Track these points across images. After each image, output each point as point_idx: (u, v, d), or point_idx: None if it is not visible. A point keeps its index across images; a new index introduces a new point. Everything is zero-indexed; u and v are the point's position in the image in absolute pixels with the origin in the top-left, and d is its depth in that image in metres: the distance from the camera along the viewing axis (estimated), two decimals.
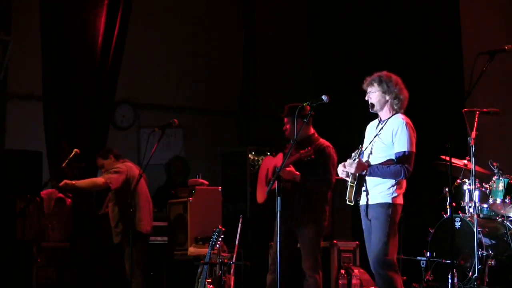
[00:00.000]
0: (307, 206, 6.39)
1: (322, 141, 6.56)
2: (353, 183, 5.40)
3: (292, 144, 5.88)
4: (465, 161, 6.76)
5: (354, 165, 5.27)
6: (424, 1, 8.92)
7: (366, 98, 5.53)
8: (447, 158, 5.84)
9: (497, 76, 7.44)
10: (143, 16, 10.37)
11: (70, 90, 9.12)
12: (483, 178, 6.76)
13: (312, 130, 6.62)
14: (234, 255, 6.91)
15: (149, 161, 6.97)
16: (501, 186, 6.64)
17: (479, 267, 5.95)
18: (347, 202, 5.50)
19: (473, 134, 5.82)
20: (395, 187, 5.40)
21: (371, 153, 5.45)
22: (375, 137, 5.47)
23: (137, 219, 7.56)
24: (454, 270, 6.06)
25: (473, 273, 6.03)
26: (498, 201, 6.64)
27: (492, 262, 6.40)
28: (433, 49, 8.76)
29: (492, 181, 6.72)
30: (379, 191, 5.40)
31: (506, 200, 6.58)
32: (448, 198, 6.42)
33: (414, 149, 5.42)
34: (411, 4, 9.01)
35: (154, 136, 7.09)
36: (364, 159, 5.44)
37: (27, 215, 7.83)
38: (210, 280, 6.78)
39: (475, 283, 5.99)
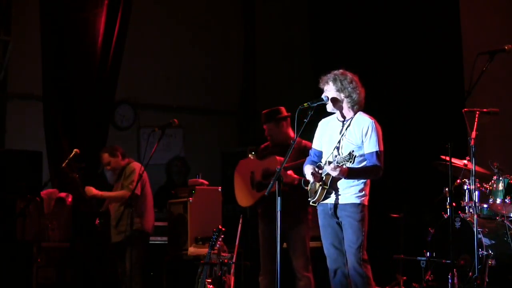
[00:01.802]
0: (298, 207, 6.40)
1: (305, 142, 6.59)
2: (327, 185, 5.39)
3: (293, 144, 5.86)
4: (465, 161, 6.76)
5: (339, 170, 5.21)
6: (424, 1, 8.92)
7: (322, 97, 5.51)
8: (447, 158, 5.84)
9: (497, 76, 7.44)
10: (143, 16, 10.37)
11: (70, 90, 9.12)
12: (483, 178, 6.76)
13: (292, 133, 6.67)
14: (234, 255, 6.91)
15: (149, 161, 6.98)
16: (501, 186, 6.64)
17: (479, 267, 5.95)
18: (311, 203, 5.51)
19: (473, 134, 5.83)
20: (366, 188, 5.45)
21: (338, 154, 5.42)
22: (341, 137, 5.45)
23: (145, 220, 7.56)
24: (454, 270, 6.06)
25: (473, 273, 6.02)
26: (498, 201, 6.63)
27: (492, 262, 6.40)
28: (433, 49, 8.76)
29: (492, 181, 6.72)
30: (353, 192, 5.41)
31: (506, 200, 6.58)
32: (448, 198, 6.41)
33: (383, 148, 5.42)
34: (411, 4, 9.01)
35: (154, 136, 7.10)
36: (330, 159, 5.42)
37: (27, 215, 7.84)
38: (210, 280, 6.78)
39: (475, 283, 5.99)
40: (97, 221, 7.84)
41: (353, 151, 5.19)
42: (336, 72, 5.52)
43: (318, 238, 5.77)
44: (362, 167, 5.38)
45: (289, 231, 6.44)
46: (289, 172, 6.37)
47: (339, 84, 5.46)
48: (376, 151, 5.36)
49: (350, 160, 5.14)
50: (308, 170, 5.45)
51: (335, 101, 5.48)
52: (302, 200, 6.38)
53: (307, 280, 6.40)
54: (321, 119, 5.73)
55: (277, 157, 6.55)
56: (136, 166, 7.66)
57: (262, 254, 6.61)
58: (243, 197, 6.81)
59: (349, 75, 5.51)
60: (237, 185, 6.88)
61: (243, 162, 6.98)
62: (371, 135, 5.38)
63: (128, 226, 7.46)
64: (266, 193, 5.29)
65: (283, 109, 6.76)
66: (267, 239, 6.55)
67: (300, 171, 6.32)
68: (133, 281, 7.42)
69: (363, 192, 5.44)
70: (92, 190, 7.66)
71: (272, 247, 6.36)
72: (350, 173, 5.28)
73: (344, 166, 5.21)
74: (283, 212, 6.34)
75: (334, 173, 5.23)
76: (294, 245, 6.45)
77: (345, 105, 5.50)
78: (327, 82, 5.51)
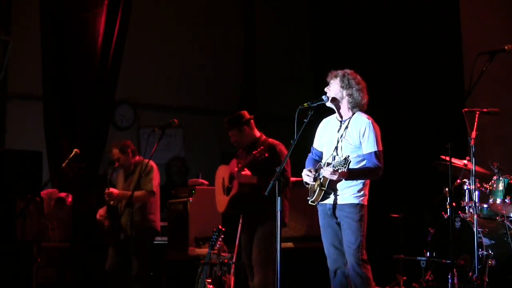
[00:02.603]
0: (262, 206, 6.42)
1: (271, 140, 6.64)
2: (324, 186, 5.39)
3: (293, 144, 5.87)
4: (465, 161, 6.76)
5: (338, 174, 5.20)
6: (424, 1, 8.92)
7: (326, 89, 5.51)
8: (447, 158, 5.84)
9: (497, 76, 7.44)
10: (143, 16, 10.37)
11: (70, 90, 9.13)
12: (483, 178, 6.75)
13: (258, 133, 6.74)
14: (234, 255, 6.91)
15: (149, 161, 6.97)
16: (501, 186, 6.63)
17: (479, 267, 5.95)
18: (310, 203, 5.50)
19: (473, 134, 5.83)
20: (365, 189, 5.44)
21: (337, 154, 5.42)
22: (340, 138, 5.44)
23: (157, 218, 7.53)
24: (454, 270, 6.06)
25: (473, 273, 6.03)
26: (498, 201, 6.63)
27: (492, 262, 6.40)
28: (433, 49, 8.76)
29: (492, 181, 6.71)
30: (351, 193, 5.40)
31: (506, 200, 6.57)
32: (448, 198, 6.41)
33: (381, 147, 5.41)
34: (411, 4, 9.01)
35: (154, 136, 7.09)
36: (329, 160, 5.42)
37: (27, 215, 7.82)
38: (210, 280, 6.77)
39: (475, 283, 5.99)
40: (103, 214, 7.63)
41: (348, 156, 5.18)
42: (347, 70, 5.53)
43: (318, 238, 5.78)
44: (362, 167, 5.37)
45: (254, 229, 6.48)
46: (244, 172, 6.45)
47: (346, 81, 5.46)
48: (375, 151, 5.36)
49: (345, 165, 5.14)
50: (304, 174, 5.46)
51: (336, 99, 5.48)
52: (266, 198, 6.41)
53: (261, 276, 6.40)
54: (321, 119, 5.73)
55: (235, 160, 6.63)
56: (154, 165, 7.57)
57: (244, 261, 6.69)
58: (219, 203, 6.90)
59: (359, 77, 5.52)
60: (216, 193, 6.97)
61: (221, 168, 7.01)
62: (369, 135, 5.37)
63: (129, 222, 7.36)
64: (266, 193, 5.28)
65: (245, 113, 6.76)
66: (245, 246, 6.62)
67: (256, 169, 6.39)
68: (139, 279, 7.39)
69: (362, 192, 5.43)
70: (114, 192, 7.44)
71: (250, 253, 6.52)
72: (351, 175, 5.27)
73: (340, 171, 5.21)
74: (253, 211, 6.42)
75: (334, 177, 5.24)
76: (256, 242, 6.48)
77: (345, 104, 5.49)
78: (335, 77, 5.51)
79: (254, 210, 6.50)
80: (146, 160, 7.54)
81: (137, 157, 7.67)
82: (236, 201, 6.60)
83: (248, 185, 6.47)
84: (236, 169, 6.51)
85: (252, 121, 6.74)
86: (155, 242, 8.53)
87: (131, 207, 7.16)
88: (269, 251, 6.43)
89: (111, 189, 7.48)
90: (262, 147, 6.35)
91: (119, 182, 7.77)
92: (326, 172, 5.25)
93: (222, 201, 6.80)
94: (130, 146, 7.63)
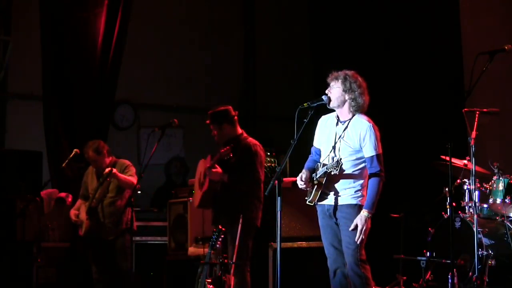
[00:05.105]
0: (233, 206, 6.42)
1: (250, 140, 6.63)
2: (321, 187, 5.40)
3: (293, 144, 5.87)
4: (465, 161, 6.76)
5: (360, 234, 5.29)
6: (424, 2, 8.92)
7: (326, 92, 5.49)
8: (447, 158, 5.84)
9: (497, 76, 7.44)
10: (143, 16, 10.37)
11: (70, 90, 9.13)
12: (483, 178, 6.76)
13: (239, 131, 6.71)
14: (234, 255, 6.90)
15: (149, 161, 6.97)
16: (501, 186, 6.64)
17: (479, 267, 5.96)
18: (307, 203, 5.51)
19: (473, 134, 5.84)
20: (363, 189, 5.44)
21: (335, 155, 5.42)
22: (338, 139, 5.44)
23: (133, 218, 7.50)
24: (454, 270, 6.06)
25: (473, 273, 6.03)
26: (498, 201, 6.63)
27: (492, 262, 6.40)
28: (433, 49, 8.76)
29: (492, 181, 6.72)
30: (349, 194, 5.41)
31: (506, 200, 6.58)
32: (448, 198, 6.41)
33: (381, 150, 5.42)
34: (411, 4, 9.01)
35: (154, 136, 7.08)
36: (326, 161, 5.43)
37: (27, 215, 7.83)
38: (210, 280, 6.77)
39: (475, 283, 5.99)
40: (78, 215, 7.58)
41: (340, 159, 5.22)
42: (348, 72, 5.49)
43: (318, 238, 5.78)
44: (370, 193, 5.34)
45: (228, 229, 6.43)
46: (215, 170, 6.43)
47: (348, 84, 5.43)
48: (375, 155, 5.36)
49: (337, 168, 5.19)
50: (299, 181, 5.46)
51: (338, 100, 5.46)
52: (238, 199, 6.39)
53: (236, 279, 6.36)
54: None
55: (210, 155, 6.66)
56: (129, 162, 7.55)
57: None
58: (195, 197, 6.94)
59: (360, 79, 5.48)
60: (194, 187, 6.99)
61: (200, 162, 7.00)
62: (369, 139, 5.37)
63: (124, 224, 7.33)
64: (266, 193, 5.29)
65: (229, 109, 6.72)
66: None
67: (228, 168, 6.41)
68: (135, 279, 7.37)
69: (360, 193, 5.43)
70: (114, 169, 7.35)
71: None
72: (371, 207, 5.31)
73: (332, 173, 5.24)
74: (219, 211, 6.46)
75: (360, 235, 5.29)
76: (229, 243, 6.47)
77: (347, 107, 5.47)
78: (336, 79, 5.48)
79: (224, 209, 6.50)
80: (122, 160, 7.54)
81: (110, 157, 7.57)
82: (207, 198, 6.63)
83: (219, 183, 6.48)
84: (208, 165, 6.53)
85: (235, 118, 6.71)
86: (155, 242, 8.57)
87: (132, 206, 7.15)
88: (244, 253, 6.41)
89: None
90: (228, 147, 6.37)
91: (90, 183, 7.60)
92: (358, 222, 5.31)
93: (197, 196, 6.83)
94: (105, 147, 7.54)
